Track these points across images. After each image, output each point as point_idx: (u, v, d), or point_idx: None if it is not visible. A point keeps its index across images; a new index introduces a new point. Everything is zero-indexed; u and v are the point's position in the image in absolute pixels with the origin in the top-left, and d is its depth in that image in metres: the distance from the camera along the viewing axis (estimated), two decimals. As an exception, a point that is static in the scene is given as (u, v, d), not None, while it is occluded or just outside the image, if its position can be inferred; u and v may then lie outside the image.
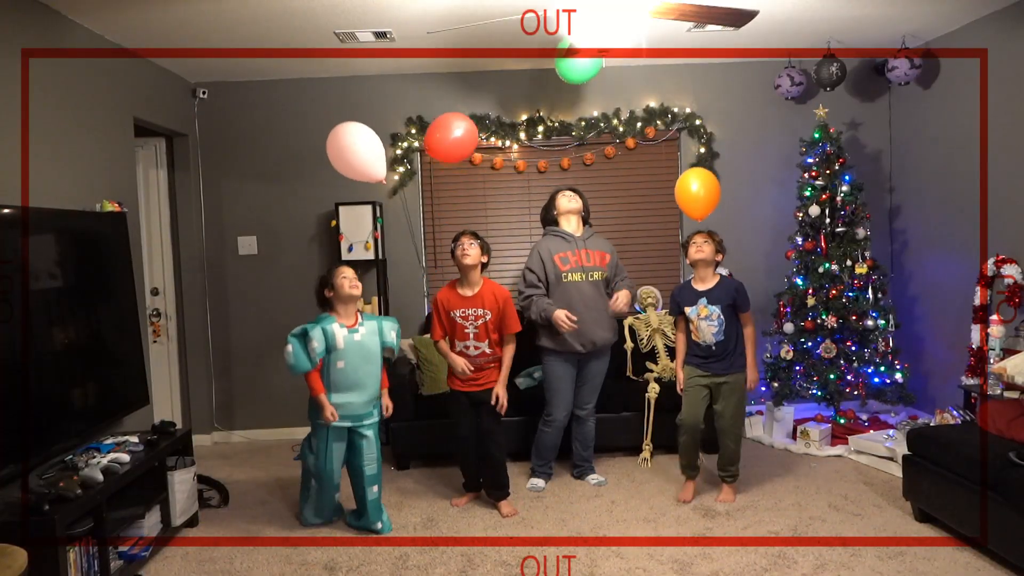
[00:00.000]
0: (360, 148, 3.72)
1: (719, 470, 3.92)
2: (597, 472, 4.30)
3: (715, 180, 4.20)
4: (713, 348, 3.75)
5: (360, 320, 3.61)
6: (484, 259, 3.80)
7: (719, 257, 3.84)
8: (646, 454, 4.49)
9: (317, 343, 3.43)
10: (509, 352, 3.86)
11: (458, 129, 3.91)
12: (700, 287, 3.83)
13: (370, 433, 3.63)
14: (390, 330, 3.68)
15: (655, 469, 4.39)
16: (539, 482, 4.18)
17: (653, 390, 4.44)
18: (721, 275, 3.88)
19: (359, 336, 3.56)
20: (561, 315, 3.86)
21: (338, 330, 3.50)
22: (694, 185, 4.14)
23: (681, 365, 3.91)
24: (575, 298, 3.98)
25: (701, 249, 3.79)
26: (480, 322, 3.75)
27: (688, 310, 3.83)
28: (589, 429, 4.25)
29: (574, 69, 4.07)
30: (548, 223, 4.22)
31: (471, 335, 3.76)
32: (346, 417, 3.56)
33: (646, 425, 4.47)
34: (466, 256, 3.73)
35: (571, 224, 4.14)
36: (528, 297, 4.02)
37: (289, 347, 3.44)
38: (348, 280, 3.54)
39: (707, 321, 3.76)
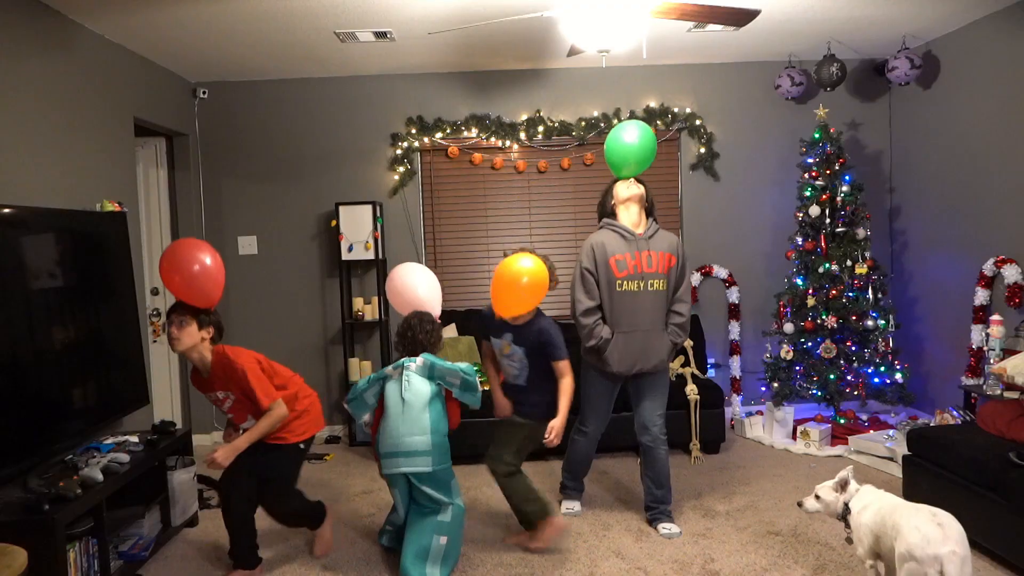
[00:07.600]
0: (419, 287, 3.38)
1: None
2: (675, 521, 3.52)
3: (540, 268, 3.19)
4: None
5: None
6: (206, 333, 3.04)
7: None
8: (696, 452, 4.51)
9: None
10: (263, 424, 3.00)
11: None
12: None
13: None
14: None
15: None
16: (574, 505, 3.75)
17: (692, 391, 4.48)
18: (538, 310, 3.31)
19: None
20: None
21: None
22: (524, 278, 3.12)
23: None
24: (627, 312, 3.34)
25: None
26: (227, 405, 3.15)
27: (493, 341, 3.42)
28: (660, 459, 3.45)
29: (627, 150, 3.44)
30: (605, 216, 3.50)
31: (233, 419, 3.22)
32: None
33: (693, 425, 4.50)
34: (174, 342, 2.98)
35: (631, 216, 3.42)
36: (586, 316, 3.37)
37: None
38: None
39: (507, 360, 3.35)
